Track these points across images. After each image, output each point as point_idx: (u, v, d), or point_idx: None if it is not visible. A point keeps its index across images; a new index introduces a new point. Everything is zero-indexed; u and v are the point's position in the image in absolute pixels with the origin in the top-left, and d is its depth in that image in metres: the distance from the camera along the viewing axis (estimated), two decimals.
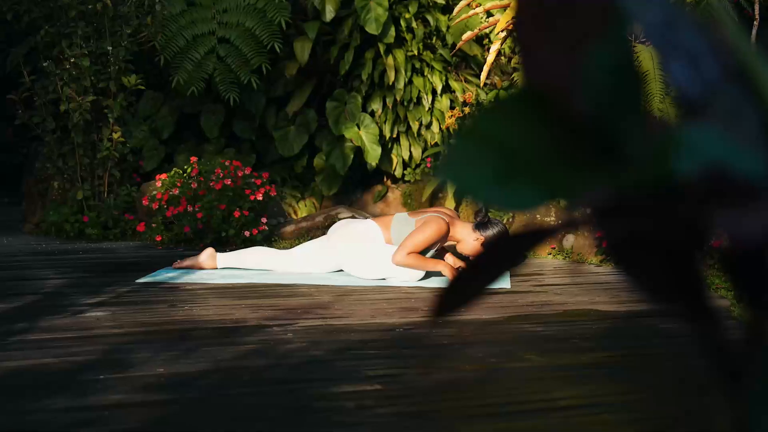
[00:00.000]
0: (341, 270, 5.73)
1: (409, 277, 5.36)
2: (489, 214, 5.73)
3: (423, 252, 5.45)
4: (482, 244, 5.49)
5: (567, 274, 5.83)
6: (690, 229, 0.63)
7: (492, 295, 4.94)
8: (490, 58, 5.58)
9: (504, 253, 0.77)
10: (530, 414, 2.74)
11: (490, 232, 5.50)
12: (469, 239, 5.56)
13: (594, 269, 6.08)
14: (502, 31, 5.38)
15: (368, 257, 5.44)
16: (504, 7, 5.87)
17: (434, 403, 2.88)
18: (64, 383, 3.02)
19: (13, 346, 3.56)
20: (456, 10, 5.93)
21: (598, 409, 2.83)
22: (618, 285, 5.34)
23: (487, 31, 6.27)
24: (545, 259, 6.71)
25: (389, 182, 9.42)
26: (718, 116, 0.63)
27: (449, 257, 5.70)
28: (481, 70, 9.14)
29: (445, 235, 5.49)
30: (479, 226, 5.55)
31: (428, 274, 5.53)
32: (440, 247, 5.65)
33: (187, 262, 5.77)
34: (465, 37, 5.78)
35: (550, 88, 0.63)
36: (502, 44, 5.63)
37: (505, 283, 5.35)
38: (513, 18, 0.66)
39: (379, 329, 3.96)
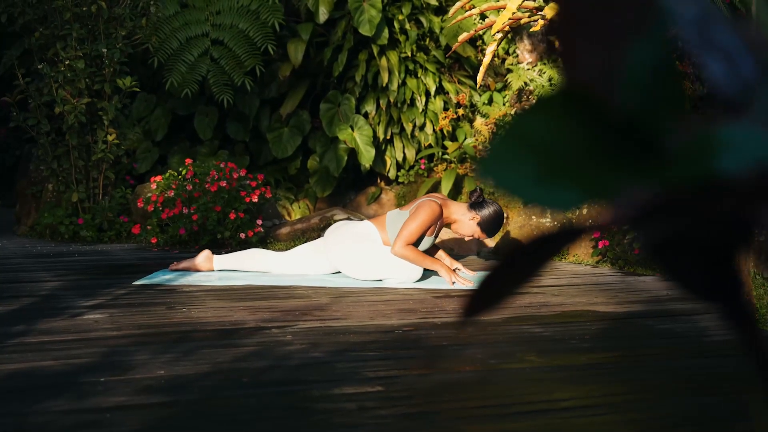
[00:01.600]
0: (338, 272, 5.73)
1: (405, 278, 5.36)
2: (484, 194, 5.76)
3: (420, 241, 5.46)
4: (478, 236, 5.50)
5: (564, 275, 5.84)
6: (732, 228, 0.63)
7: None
8: (487, 59, 5.58)
9: (539, 252, 0.77)
10: (532, 415, 2.74)
11: (486, 211, 5.53)
12: (464, 219, 5.58)
13: (591, 270, 6.09)
14: (498, 32, 5.39)
15: (365, 259, 5.44)
16: (499, 9, 5.88)
17: (436, 404, 2.88)
18: (65, 385, 3.01)
19: (12, 348, 3.55)
20: (452, 11, 5.94)
21: (600, 410, 2.84)
22: (615, 286, 5.35)
23: (480, 32, 6.28)
24: None
25: (383, 184, 9.42)
26: (758, 114, 0.63)
27: (446, 258, 5.70)
28: (474, 72, 9.15)
29: (439, 217, 5.50)
30: (474, 205, 5.58)
31: (425, 276, 5.54)
32: (437, 231, 5.64)
33: (184, 264, 5.76)
34: (461, 38, 5.79)
35: (590, 86, 0.63)
36: (498, 45, 5.63)
37: None
38: (553, 16, 0.66)
39: (378, 331, 3.96)
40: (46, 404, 2.80)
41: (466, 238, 5.66)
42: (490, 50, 5.58)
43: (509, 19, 5.00)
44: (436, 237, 5.69)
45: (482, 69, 5.66)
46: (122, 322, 4.11)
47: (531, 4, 5.41)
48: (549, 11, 4.89)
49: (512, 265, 0.78)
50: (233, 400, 2.87)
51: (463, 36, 5.81)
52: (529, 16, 5.51)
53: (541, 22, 5.06)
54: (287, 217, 8.95)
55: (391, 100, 9.07)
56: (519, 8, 5.11)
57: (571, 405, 2.88)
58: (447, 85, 9.07)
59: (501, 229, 5.70)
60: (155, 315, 4.30)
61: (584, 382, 3.20)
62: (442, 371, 3.34)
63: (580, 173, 0.61)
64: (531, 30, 5.34)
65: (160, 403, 2.83)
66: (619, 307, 4.65)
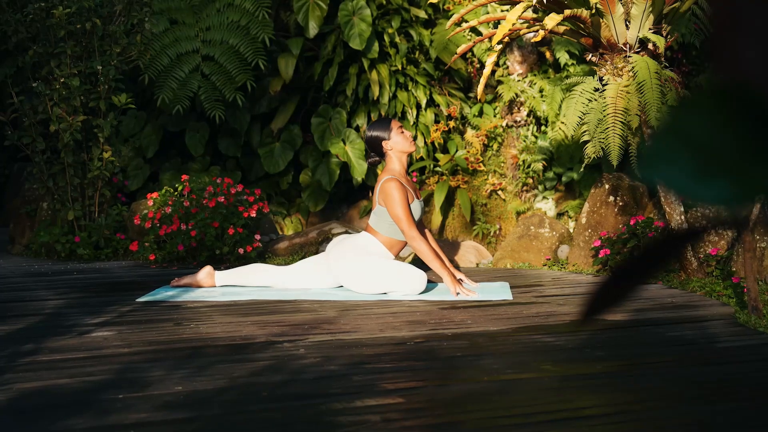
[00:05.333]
0: (340, 286, 5.72)
1: (410, 291, 5.36)
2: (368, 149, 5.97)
3: (412, 212, 5.61)
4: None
5: (567, 285, 5.85)
6: None
7: (495, 307, 4.95)
8: (487, 70, 5.59)
9: (660, 255, 0.77)
10: (556, 424, 2.75)
11: (379, 141, 5.77)
12: (396, 149, 5.76)
13: (593, 279, 6.09)
14: (498, 43, 5.41)
15: (368, 272, 5.43)
16: (489, 21, 5.90)
17: (459, 415, 2.88)
18: (84, 403, 3.00)
19: (25, 367, 3.53)
20: (449, 24, 5.95)
21: (622, 417, 2.85)
22: None
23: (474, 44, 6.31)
24: (542, 270, 6.73)
25: None
26: None
27: (450, 267, 5.69)
28: (464, 84, 9.19)
29: (400, 183, 5.60)
30: (378, 152, 5.83)
31: (428, 288, 5.53)
32: (414, 192, 5.76)
33: (185, 280, 5.74)
34: (460, 50, 5.79)
35: (749, 82, 0.63)
36: (498, 57, 5.65)
37: (506, 294, 5.35)
38: (709, 15, 0.66)
39: (390, 343, 3.96)
40: (68, 423, 2.79)
41: (411, 145, 5.77)
42: (489, 61, 5.60)
43: (509, 30, 5.02)
44: (420, 198, 5.82)
45: (482, 80, 5.67)
46: (132, 338, 4.09)
47: (529, 15, 5.43)
48: (549, 22, 4.91)
49: (637, 267, 0.78)
50: (256, 414, 2.87)
51: (462, 48, 5.81)
52: (528, 27, 5.53)
53: (541, 33, 5.08)
54: (279, 232, 8.94)
55: (382, 114, 9.08)
56: (518, 19, 5.13)
57: (594, 413, 2.89)
58: (437, 98, 9.09)
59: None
60: (164, 331, 4.28)
61: (603, 390, 3.20)
62: (460, 382, 3.34)
63: (742, 169, 0.61)
64: (532, 40, 5.35)
65: (183, 419, 2.83)
66: (627, 315, 4.65)
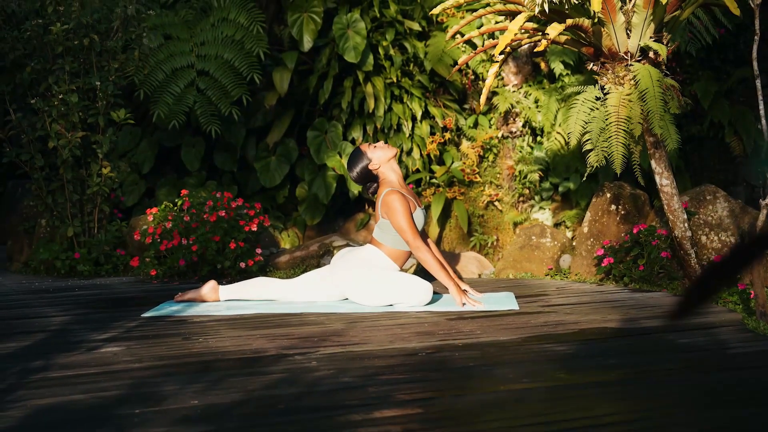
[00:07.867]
0: (345, 298, 5.71)
1: (416, 302, 5.35)
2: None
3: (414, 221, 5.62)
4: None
5: (571, 294, 5.85)
6: None
7: (502, 317, 4.95)
8: (489, 81, 5.59)
9: (751, 253, 0.77)
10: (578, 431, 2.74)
11: (366, 169, 5.84)
12: (382, 163, 5.80)
13: (597, 288, 6.09)
14: (500, 53, 5.41)
15: (375, 285, 5.42)
16: (487, 33, 5.90)
17: (480, 424, 2.88)
18: (101, 419, 2.99)
19: (37, 384, 3.51)
20: (447, 37, 5.98)
21: (641, 425, 2.85)
22: (625, 303, 5.36)
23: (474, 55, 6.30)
24: (545, 280, 6.73)
25: (371, 210, 9.41)
26: None
27: (455, 278, 5.68)
28: (459, 95, 9.19)
29: (402, 195, 5.63)
30: (369, 179, 5.90)
31: (434, 299, 5.53)
32: (415, 201, 5.77)
33: (189, 295, 5.72)
34: (461, 61, 5.80)
35: None
36: (501, 66, 5.66)
37: (512, 304, 5.35)
38: None
39: (401, 354, 3.95)
40: None
41: (391, 149, 5.83)
42: (492, 72, 5.60)
43: (510, 40, 5.03)
44: (421, 207, 5.82)
45: (485, 92, 5.67)
46: (142, 353, 4.07)
47: (530, 25, 5.44)
48: (552, 31, 4.93)
49: (726, 267, 0.78)
50: (276, 427, 2.86)
51: (462, 59, 5.83)
52: (529, 37, 5.53)
53: (543, 42, 5.08)
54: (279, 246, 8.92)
55: (378, 126, 9.08)
56: (519, 29, 5.14)
57: (615, 420, 2.89)
58: (433, 110, 9.09)
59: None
60: (173, 346, 4.26)
61: (621, 398, 3.21)
62: (477, 392, 3.34)
63: None
64: (535, 50, 5.36)
65: None
66: (635, 323, 4.66)
